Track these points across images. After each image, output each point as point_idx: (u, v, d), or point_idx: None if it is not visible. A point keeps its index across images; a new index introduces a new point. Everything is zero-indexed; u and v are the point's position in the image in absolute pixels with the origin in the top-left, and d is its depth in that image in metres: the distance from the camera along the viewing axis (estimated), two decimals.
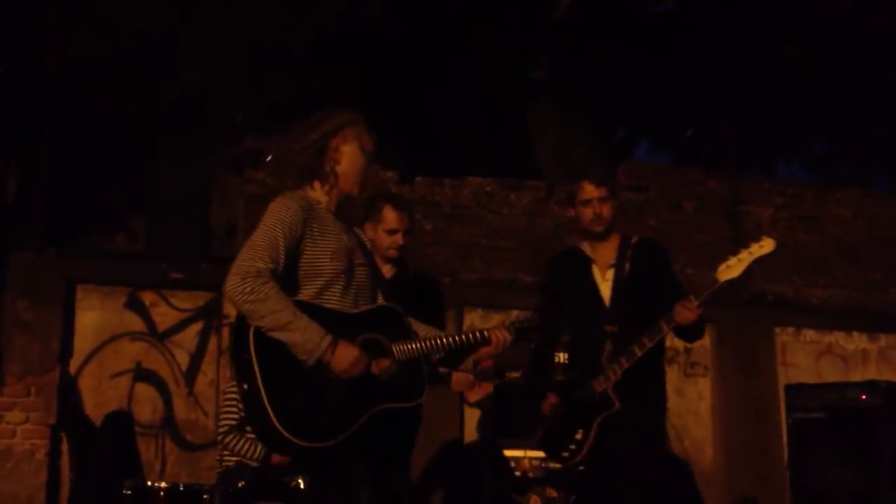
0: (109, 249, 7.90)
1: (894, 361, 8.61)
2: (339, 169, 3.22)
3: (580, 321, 4.12)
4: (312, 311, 3.00)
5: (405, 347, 3.16)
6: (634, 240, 4.32)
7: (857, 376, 8.03)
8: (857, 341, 8.57)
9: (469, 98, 10.06)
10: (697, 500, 7.29)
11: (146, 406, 6.91)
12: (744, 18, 9.74)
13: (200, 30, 8.26)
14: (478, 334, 3.35)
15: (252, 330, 2.94)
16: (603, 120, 10.98)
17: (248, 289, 2.92)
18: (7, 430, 6.53)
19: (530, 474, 5.81)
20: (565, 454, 4.14)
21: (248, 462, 5.05)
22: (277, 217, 3.05)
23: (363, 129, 3.27)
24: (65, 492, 6.59)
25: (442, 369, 4.16)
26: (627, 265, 4.21)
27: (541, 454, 5.55)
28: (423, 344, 3.21)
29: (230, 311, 7.00)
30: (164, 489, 4.60)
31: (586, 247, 4.32)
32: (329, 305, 3.08)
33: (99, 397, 6.81)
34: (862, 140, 11.31)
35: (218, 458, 5.38)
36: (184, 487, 4.72)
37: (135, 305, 7.00)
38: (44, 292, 6.73)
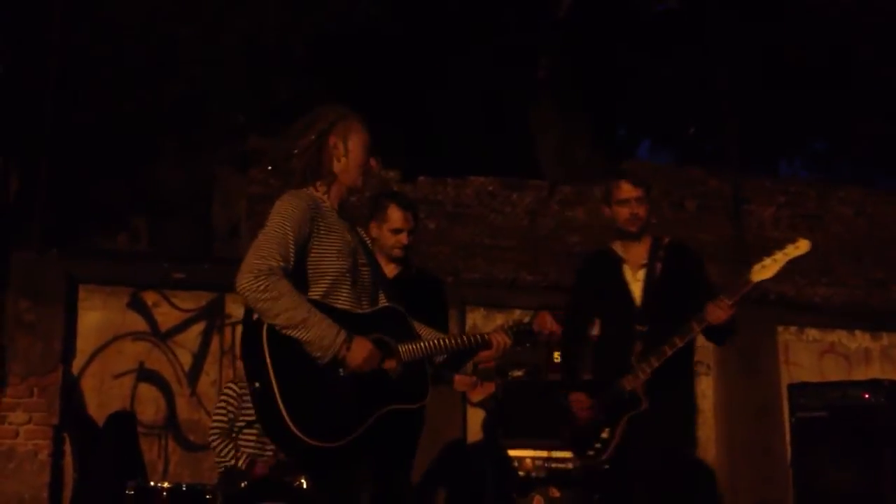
0: (111, 249, 7.89)
1: None
2: (340, 165, 3.20)
3: (610, 320, 4.13)
4: (323, 310, 2.98)
5: (411, 348, 3.15)
6: (667, 241, 4.33)
7: (859, 375, 8.01)
8: (859, 340, 8.57)
9: (471, 98, 10.06)
10: (700, 500, 7.28)
11: (149, 406, 6.91)
12: (745, 17, 9.72)
13: (201, 29, 8.25)
14: (479, 337, 3.35)
15: (265, 328, 2.91)
16: (605, 119, 10.95)
17: (262, 287, 2.88)
18: (10, 430, 6.53)
19: (533, 474, 5.80)
20: (591, 452, 4.12)
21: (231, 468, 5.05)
22: (286, 214, 3.02)
23: (356, 122, 3.25)
24: (68, 492, 6.59)
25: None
26: (659, 266, 4.21)
27: (543, 454, 5.55)
28: (427, 345, 3.20)
29: (232, 310, 7.00)
30: (167, 489, 4.62)
31: (618, 246, 4.33)
32: (338, 305, 3.06)
33: (101, 397, 6.81)
34: (864, 139, 11.31)
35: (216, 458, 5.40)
36: (186, 488, 4.74)
37: (137, 305, 7.00)
38: (46, 292, 6.74)
